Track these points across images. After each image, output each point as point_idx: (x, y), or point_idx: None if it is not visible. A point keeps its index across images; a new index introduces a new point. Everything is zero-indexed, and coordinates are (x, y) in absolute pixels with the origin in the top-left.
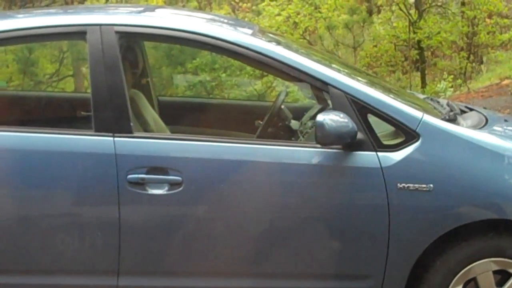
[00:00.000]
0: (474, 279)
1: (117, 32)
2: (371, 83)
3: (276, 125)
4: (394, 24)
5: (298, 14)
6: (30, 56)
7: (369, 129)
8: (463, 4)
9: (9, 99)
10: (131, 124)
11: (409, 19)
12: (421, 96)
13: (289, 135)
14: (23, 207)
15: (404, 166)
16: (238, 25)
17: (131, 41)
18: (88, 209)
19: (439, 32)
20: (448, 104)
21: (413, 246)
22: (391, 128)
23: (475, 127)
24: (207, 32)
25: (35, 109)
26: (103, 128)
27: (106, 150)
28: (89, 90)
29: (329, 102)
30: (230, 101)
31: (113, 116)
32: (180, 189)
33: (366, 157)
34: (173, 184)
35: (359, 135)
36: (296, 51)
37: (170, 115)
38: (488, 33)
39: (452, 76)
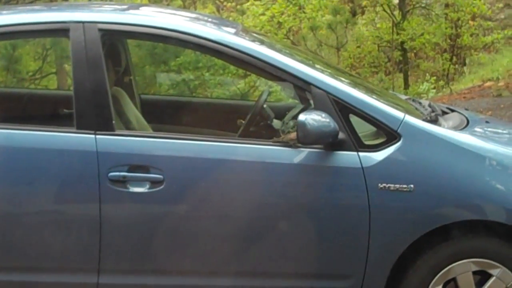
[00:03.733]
0: (454, 280)
1: (100, 30)
2: (354, 84)
3: (258, 124)
4: (378, 25)
5: (282, 14)
6: (13, 53)
7: (350, 129)
8: (446, 6)
9: None
10: (113, 122)
11: (393, 20)
12: (403, 97)
13: (271, 135)
14: (2, 204)
15: (385, 166)
16: (221, 24)
17: (114, 38)
18: (69, 206)
19: (422, 34)
20: (430, 105)
21: (394, 246)
22: (372, 128)
23: (457, 128)
24: (191, 30)
25: (17, 106)
26: (84, 125)
27: (88, 147)
28: (71, 88)
29: (312, 101)
30: (212, 100)
31: (95, 113)
32: (162, 187)
33: (347, 157)
34: (154, 182)
35: (341, 135)
36: (279, 50)
37: (152, 113)
38: (471, 35)
39: (434, 78)
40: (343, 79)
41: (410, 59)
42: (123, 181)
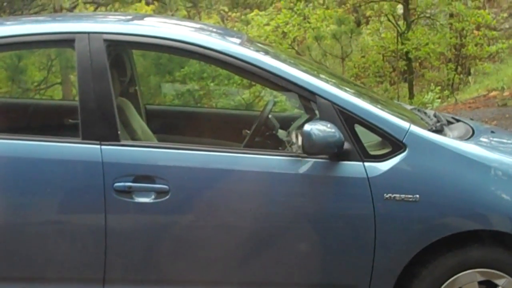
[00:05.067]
0: None
1: (105, 40)
2: (359, 94)
3: (263, 134)
4: (382, 35)
5: (287, 24)
6: (18, 63)
7: (356, 139)
8: (451, 15)
9: None
10: (118, 132)
11: (398, 30)
12: (408, 107)
13: (276, 145)
14: (9, 214)
15: (391, 176)
16: (226, 34)
17: (119, 49)
18: (74, 217)
19: (427, 43)
20: (435, 115)
21: (399, 256)
22: (378, 139)
23: (462, 138)
24: (196, 41)
25: (23, 116)
26: (90, 136)
27: (93, 158)
28: (76, 98)
29: (317, 112)
30: (217, 110)
31: (100, 124)
32: (167, 197)
33: (353, 167)
34: (159, 193)
35: (346, 145)
36: (284, 61)
37: (157, 124)
38: (476, 45)
39: (439, 87)
40: (348, 89)
41: (415, 68)
42: (128, 192)
